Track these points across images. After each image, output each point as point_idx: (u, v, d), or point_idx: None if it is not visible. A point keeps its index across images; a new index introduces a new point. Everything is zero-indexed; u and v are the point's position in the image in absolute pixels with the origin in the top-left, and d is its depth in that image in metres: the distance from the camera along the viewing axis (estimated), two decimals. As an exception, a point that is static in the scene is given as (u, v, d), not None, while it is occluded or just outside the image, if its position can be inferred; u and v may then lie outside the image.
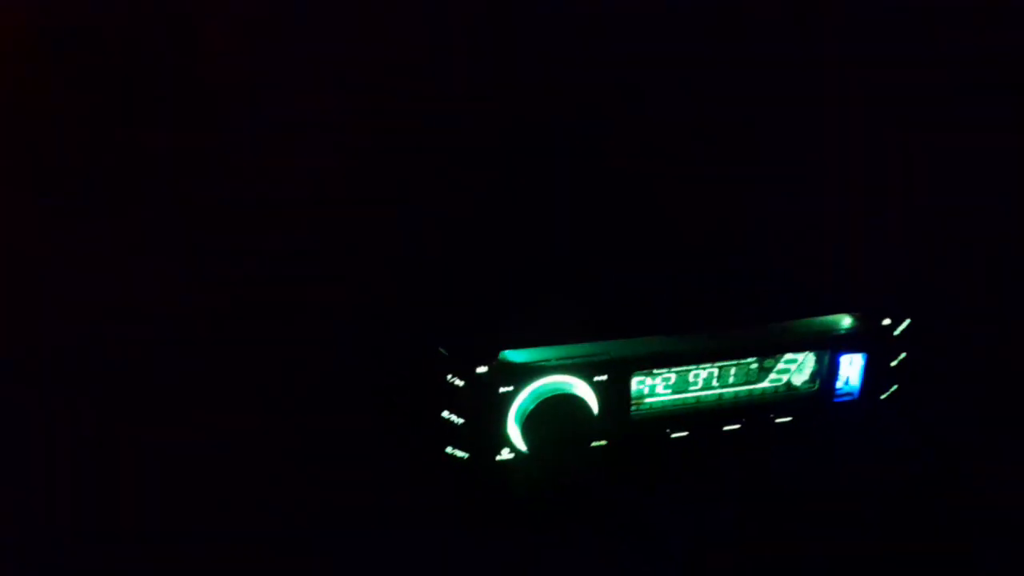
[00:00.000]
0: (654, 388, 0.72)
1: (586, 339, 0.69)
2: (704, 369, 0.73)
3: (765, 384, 0.75)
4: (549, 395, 0.67)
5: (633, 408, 0.71)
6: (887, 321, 0.76)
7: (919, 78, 0.82)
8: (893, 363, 0.77)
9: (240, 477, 0.71)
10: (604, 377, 0.69)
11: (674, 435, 0.73)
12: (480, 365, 0.66)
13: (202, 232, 0.73)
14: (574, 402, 0.67)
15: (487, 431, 0.68)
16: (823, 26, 0.82)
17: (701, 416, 0.73)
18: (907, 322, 0.76)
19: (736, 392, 0.74)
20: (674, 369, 0.72)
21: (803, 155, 0.81)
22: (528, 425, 0.66)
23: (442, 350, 0.67)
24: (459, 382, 0.66)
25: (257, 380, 0.73)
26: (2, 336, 0.70)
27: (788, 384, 0.76)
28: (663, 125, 0.78)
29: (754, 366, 0.74)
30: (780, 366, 0.75)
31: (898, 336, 0.76)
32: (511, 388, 0.67)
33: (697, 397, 0.73)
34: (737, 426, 0.74)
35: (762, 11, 0.81)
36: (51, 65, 0.69)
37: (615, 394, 0.70)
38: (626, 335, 0.71)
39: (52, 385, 0.71)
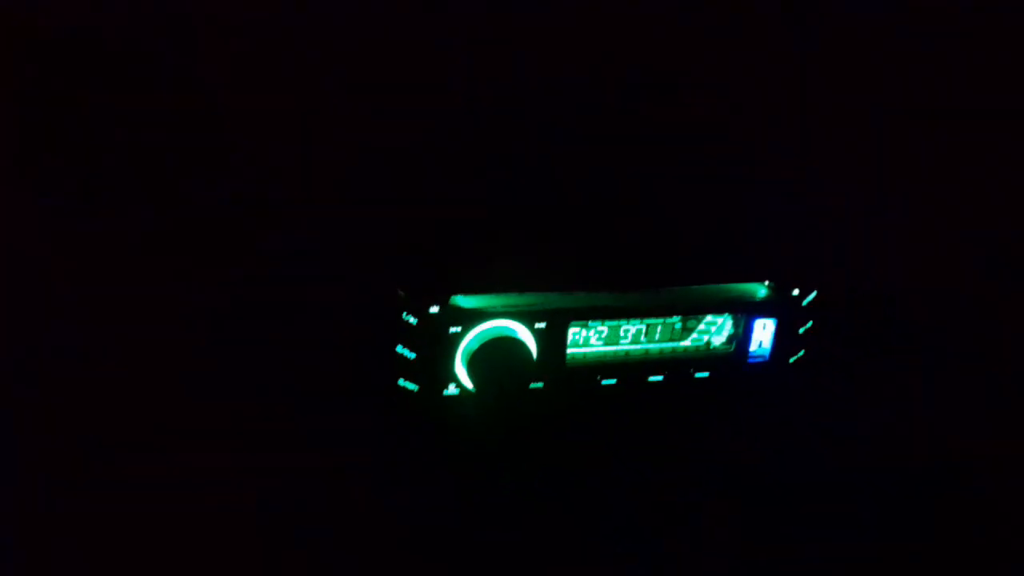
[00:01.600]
0: (588, 339, 0.79)
1: (529, 290, 0.77)
2: (633, 325, 0.80)
3: (687, 343, 0.83)
4: (493, 337, 0.73)
5: (568, 355, 0.78)
6: (796, 292, 0.84)
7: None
8: (801, 330, 0.85)
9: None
10: (544, 324, 0.76)
11: (604, 382, 0.80)
12: (433, 306, 0.72)
13: (202, 232, 0.73)
14: (515, 345, 0.73)
15: (436, 367, 0.74)
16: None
17: (629, 367, 0.81)
18: (814, 293, 0.84)
19: (661, 348, 0.82)
20: (607, 322, 0.79)
21: (738, 136, 0.86)
22: (473, 363, 0.73)
23: (400, 291, 0.73)
24: (413, 320, 0.72)
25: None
26: (2, 336, 0.70)
27: (708, 344, 0.84)
28: (620, 107, 0.82)
29: (678, 325, 0.82)
30: (701, 327, 0.83)
31: (806, 306, 0.84)
32: (459, 329, 0.73)
33: (627, 350, 0.81)
34: (660, 378, 0.82)
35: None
36: (51, 65, 0.69)
37: (553, 341, 0.77)
38: (566, 289, 0.78)
39: (52, 385, 0.71)
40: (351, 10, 0.73)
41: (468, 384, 0.74)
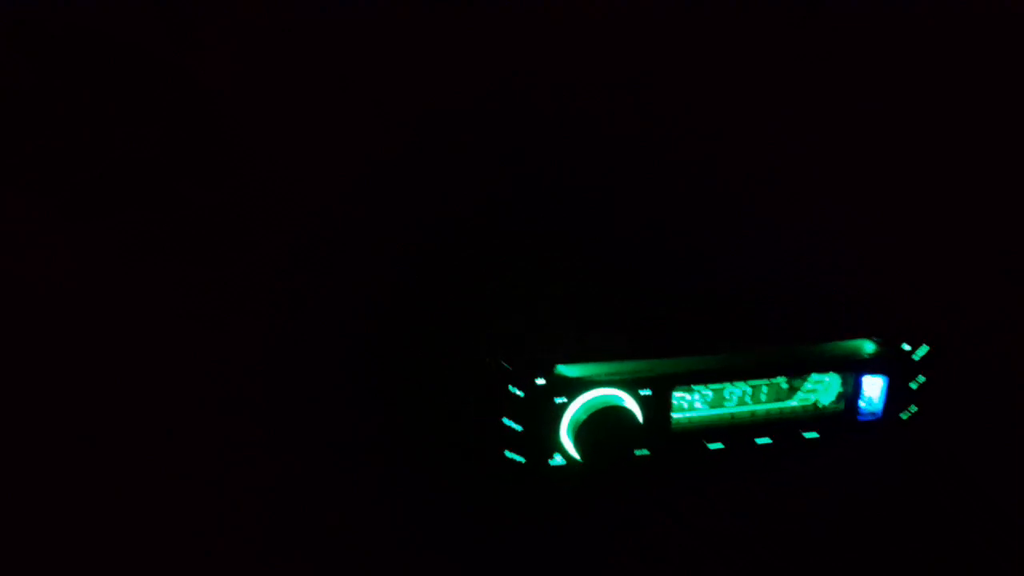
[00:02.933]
0: (693, 403, 0.78)
1: (632, 357, 0.76)
2: (738, 387, 0.79)
3: (794, 403, 0.81)
4: (599, 406, 0.73)
5: (673, 420, 0.77)
6: (907, 346, 0.82)
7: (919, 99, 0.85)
8: (913, 385, 0.83)
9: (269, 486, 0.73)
10: (648, 391, 0.75)
11: (711, 446, 0.79)
12: (539, 377, 0.72)
13: (202, 232, 0.73)
14: (621, 413, 0.73)
15: (542, 437, 0.74)
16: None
17: (736, 430, 0.79)
18: (925, 348, 0.82)
19: (768, 409, 0.80)
20: (711, 386, 0.78)
21: (829, 186, 0.86)
22: (579, 433, 0.72)
23: (504, 364, 0.73)
24: (519, 392, 0.72)
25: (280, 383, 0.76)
26: (3, 335, 0.70)
27: (816, 403, 0.81)
28: (686, 158, 0.83)
29: (784, 385, 0.80)
30: (808, 386, 0.81)
31: (918, 361, 0.82)
32: (565, 399, 0.73)
33: (732, 413, 0.79)
34: (768, 440, 0.80)
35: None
36: (51, 65, 0.69)
37: (658, 407, 0.76)
38: (668, 354, 0.77)
39: (52, 384, 0.71)
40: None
41: (574, 454, 0.74)
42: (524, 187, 0.80)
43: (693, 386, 0.77)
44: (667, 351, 0.77)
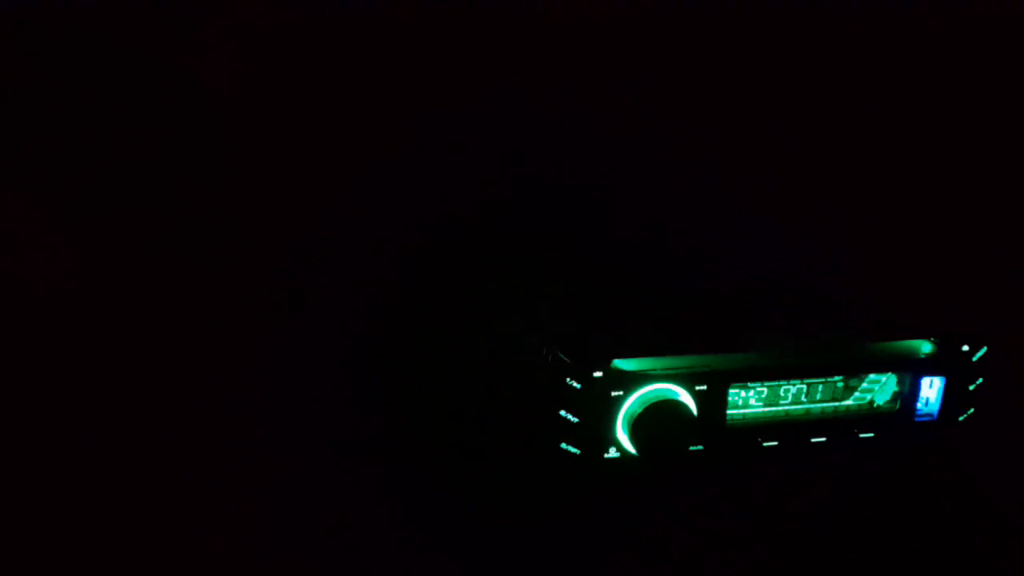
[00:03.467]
0: (748, 400, 0.78)
1: (689, 352, 0.76)
2: (794, 385, 0.79)
3: (850, 402, 0.81)
4: (655, 400, 0.73)
5: (728, 417, 0.78)
6: (966, 347, 0.81)
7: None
8: (971, 387, 0.82)
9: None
10: (704, 387, 0.75)
11: (765, 444, 0.79)
12: (596, 371, 0.72)
13: (202, 232, 0.73)
14: (678, 407, 0.73)
15: (598, 430, 0.74)
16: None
17: (790, 428, 0.79)
18: (984, 349, 0.81)
19: (823, 408, 0.80)
20: (767, 383, 0.78)
21: (894, 185, 0.86)
22: (635, 426, 0.73)
23: (563, 356, 0.73)
24: (576, 385, 0.72)
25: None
26: (4, 335, 0.70)
27: (871, 403, 0.81)
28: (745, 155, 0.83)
29: (840, 384, 0.80)
30: (864, 385, 0.81)
31: (976, 362, 0.81)
32: (621, 393, 0.73)
33: (787, 410, 0.79)
34: (823, 439, 0.80)
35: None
36: (51, 65, 0.69)
37: (713, 403, 0.76)
38: (725, 350, 0.77)
39: (52, 384, 0.71)
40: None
41: (629, 447, 0.74)
42: (524, 187, 0.80)
43: (749, 383, 0.77)
44: (723, 347, 0.77)
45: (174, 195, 0.72)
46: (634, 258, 0.82)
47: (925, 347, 0.81)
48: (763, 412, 0.79)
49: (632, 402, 0.73)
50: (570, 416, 0.73)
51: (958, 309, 0.85)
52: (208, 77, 0.72)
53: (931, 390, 0.81)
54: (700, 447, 0.77)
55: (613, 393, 0.73)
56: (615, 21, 0.79)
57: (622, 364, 0.74)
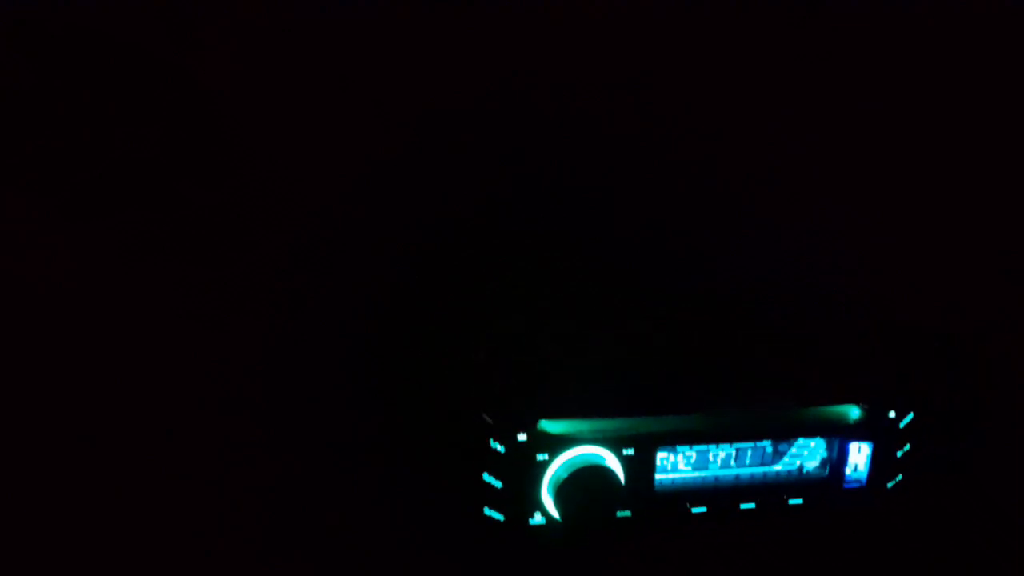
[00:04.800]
0: (676, 464, 0.77)
1: (617, 414, 0.75)
2: (723, 449, 0.78)
3: (779, 467, 0.80)
4: (581, 465, 0.71)
5: (656, 481, 0.76)
6: (892, 414, 0.80)
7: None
8: (899, 453, 0.82)
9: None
10: (631, 450, 0.74)
11: (694, 510, 0.77)
12: (521, 433, 0.71)
13: (202, 232, 0.73)
14: (604, 473, 0.71)
15: (522, 495, 0.73)
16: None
17: (720, 493, 0.78)
18: (911, 415, 0.80)
19: (752, 473, 0.79)
20: (696, 447, 0.77)
21: (828, 186, 0.85)
22: (560, 492, 0.71)
23: (486, 417, 0.71)
24: (500, 448, 0.71)
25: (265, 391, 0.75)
26: (4, 335, 0.70)
27: (801, 468, 0.80)
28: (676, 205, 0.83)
29: (769, 449, 0.79)
30: (793, 451, 0.80)
31: (903, 428, 0.81)
32: (546, 456, 0.72)
33: (716, 476, 0.78)
34: (753, 505, 0.79)
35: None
36: (51, 65, 0.69)
37: (641, 467, 0.75)
38: (653, 412, 0.76)
39: (52, 384, 0.71)
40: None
41: (554, 513, 0.73)
42: (524, 187, 0.80)
43: (678, 447, 0.76)
44: (652, 409, 0.76)
45: (174, 195, 0.72)
46: (634, 258, 0.82)
47: (853, 412, 0.80)
48: (692, 477, 0.77)
49: (558, 467, 0.71)
50: (494, 480, 0.71)
51: (885, 375, 0.84)
52: (208, 77, 0.72)
53: (859, 456, 0.81)
54: (628, 513, 0.75)
55: (538, 457, 0.71)
56: (615, 21, 0.79)
57: (548, 426, 0.72)
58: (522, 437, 0.71)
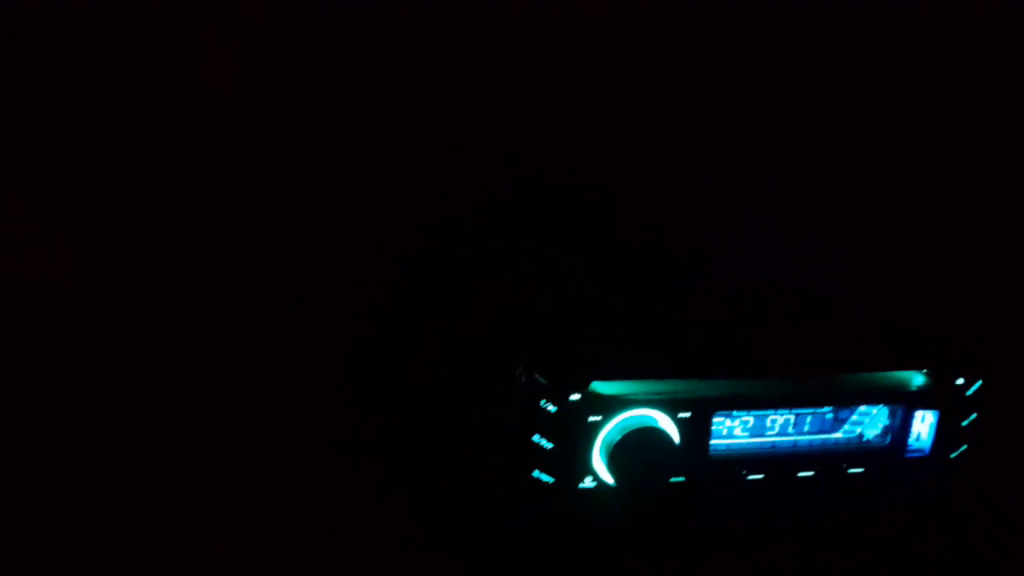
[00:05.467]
0: (733, 430, 0.75)
1: (672, 376, 0.72)
2: (781, 415, 0.75)
3: (839, 435, 0.77)
4: (635, 427, 0.69)
5: (712, 447, 0.74)
6: (960, 381, 0.77)
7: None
8: (965, 423, 0.79)
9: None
10: (687, 414, 0.71)
11: (750, 477, 0.75)
12: (573, 393, 0.68)
13: (202, 232, 0.73)
14: (658, 435, 0.69)
15: (573, 458, 0.70)
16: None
17: (777, 461, 0.76)
18: (979, 383, 0.78)
19: (811, 440, 0.76)
20: (753, 412, 0.74)
21: (890, 210, 0.84)
22: (613, 455, 0.69)
23: (538, 377, 0.69)
24: (552, 408, 0.68)
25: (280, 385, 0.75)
26: (4, 335, 0.70)
27: (861, 436, 0.78)
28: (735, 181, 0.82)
29: (829, 416, 0.76)
30: (854, 418, 0.77)
31: (970, 396, 0.78)
32: (599, 418, 0.69)
33: (774, 443, 0.76)
34: (811, 473, 0.76)
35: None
36: (51, 65, 0.69)
37: (696, 432, 0.72)
38: (712, 376, 0.73)
39: (52, 384, 0.71)
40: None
41: (606, 477, 0.71)
42: (524, 187, 0.80)
43: (735, 411, 0.73)
44: (709, 372, 0.73)
45: (174, 195, 0.72)
46: (634, 258, 0.82)
47: (917, 379, 0.77)
48: (749, 444, 0.75)
49: (611, 428, 0.69)
50: (544, 442, 0.69)
51: (954, 341, 0.82)
52: (208, 77, 0.72)
53: (923, 425, 0.78)
54: (682, 478, 0.73)
55: (591, 418, 0.69)
56: (615, 21, 0.79)
57: (601, 387, 0.70)
58: (574, 397, 0.68)
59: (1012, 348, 0.88)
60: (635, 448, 0.69)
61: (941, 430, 0.78)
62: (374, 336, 0.76)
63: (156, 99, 0.71)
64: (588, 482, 0.71)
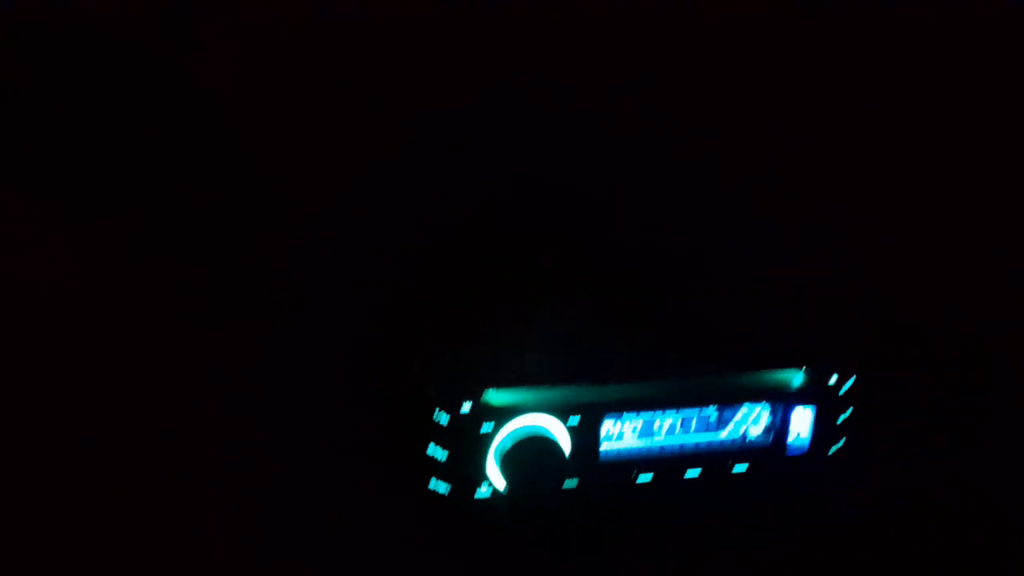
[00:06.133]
0: (622, 433, 0.77)
1: (563, 382, 0.74)
2: (668, 417, 0.78)
3: (723, 435, 0.80)
4: (526, 436, 0.71)
5: (602, 451, 0.76)
6: (835, 377, 0.81)
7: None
8: (840, 419, 0.82)
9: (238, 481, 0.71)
10: (577, 419, 0.74)
11: (640, 478, 0.78)
12: (465, 403, 0.70)
13: (202, 232, 0.73)
14: (547, 443, 0.71)
15: (468, 467, 0.72)
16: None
17: (665, 462, 0.78)
18: (853, 379, 0.81)
19: (697, 440, 0.79)
20: (641, 415, 0.77)
21: (762, 219, 0.85)
22: (506, 463, 0.70)
23: (430, 387, 0.71)
24: (444, 418, 0.70)
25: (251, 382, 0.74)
26: (4, 335, 0.70)
27: (744, 436, 0.81)
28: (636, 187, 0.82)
29: (713, 417, 0.79)
30: (737, 418, 0.80)
31: (845, 393, 0.82)
32: (492, 427, 0.71)
33: (661, 444, 0.78)
34: (697, 472, 0.79)
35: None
36: (51, 65, 0.69)
37: (586, 436, 0.75)
38: (598, 381, 0.75)
39: (52, 384, 0.71)
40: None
41: (500, 484, 0.72)
42: (524, 187, 0.80)
43: (624, 414, 0.75)
44: (598, 378, 0.75)
45: (174, 195, 0.72)
46: (634, 258, 0.82)
47: (796, 378, 0.80)
48: (637, 446, 0.77)
49: (503, 437, 0.71)
50: (438, 452, 0.71)
51: (827, 339, 0.84)
52: (208, 77, 0.72)
53: (802, 422, 0.81)
54: (574, 482, 0.75)
55: (483, 428, 0.71)
56: (615, 21, 0.79)
57: (493, 396, 0.72)
58: (466, 408, 0.71)
59: (1011, 348, 0.88)
60: (526, 456, 0.70)
61: (819, 427, 0.81)
62: (374, 336, 0.76)
63: (156, 99, 0.71)
64: (483, 491, 0.73)
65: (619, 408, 0.75)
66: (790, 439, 0.81)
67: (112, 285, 0.72)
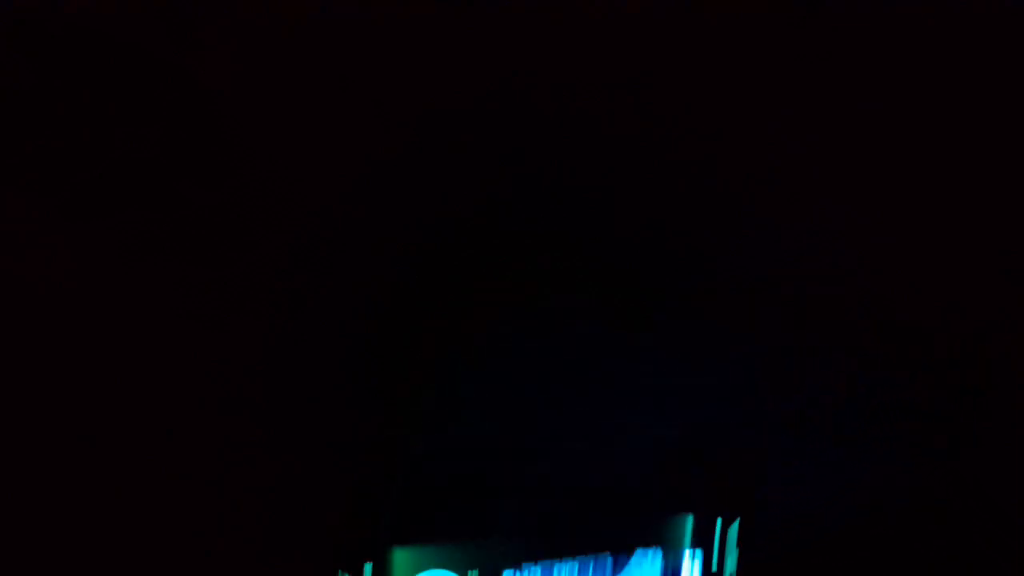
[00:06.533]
0: None
1: (464, 538, 0.79)
2: (567, 565, 0.82)
3: None
4: None
5: None
6: (719, 521, 0.86)
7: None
8: (729, 560, 0.87)
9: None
10: (476, 574, 0.79)
11: None
12: (368, 562, 0.74)
13: (202, 232, 0.73)
14: None
15: None
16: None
17: None
18: (738, 521, 0.86)
19: None
20: (540, 563, 0.81)
21: (762, 219, 0.86)
22: None
23: (334, 546, 0.74)
24: None
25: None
26: (4, 335, 0.70)
27: None
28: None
29: (609, 562, 0.83)
30: (632, 562, 0.84)
31: (731, 534, 0.87)
32: None
33: None
34: None
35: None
36: (51, 65, 0.69)
37: None
38: (497, 535, 0.80)
39: (52, 384, 0.71)
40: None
41: None
42: (524, 187, 0.80)
43: (523, 564, 0.80)
44: (496, 532, 0.80)
45: (174, 195, 0.72)
46: (634, 258, 0.82)
47: (686, 522, 0.86)
48: None
49: None
50: None
51: (713, 484, 0.87)
52: (208, 77, 0.71)
53: (694, 565, 0.86)
54: None
55: None
56: (615, 21, 0.79)
57: (396, 554, 0.75)
58: (368, 566, 0.74)
59: (1011, 348, 0.88)
60: None
61: (707, 569, 0.86)
62: (374, 336, 0.76)
63: (156, 99, 0.71)
64: None
65: (516, 559, 0.80)
66: None
67: (112, 285, 0.71)
